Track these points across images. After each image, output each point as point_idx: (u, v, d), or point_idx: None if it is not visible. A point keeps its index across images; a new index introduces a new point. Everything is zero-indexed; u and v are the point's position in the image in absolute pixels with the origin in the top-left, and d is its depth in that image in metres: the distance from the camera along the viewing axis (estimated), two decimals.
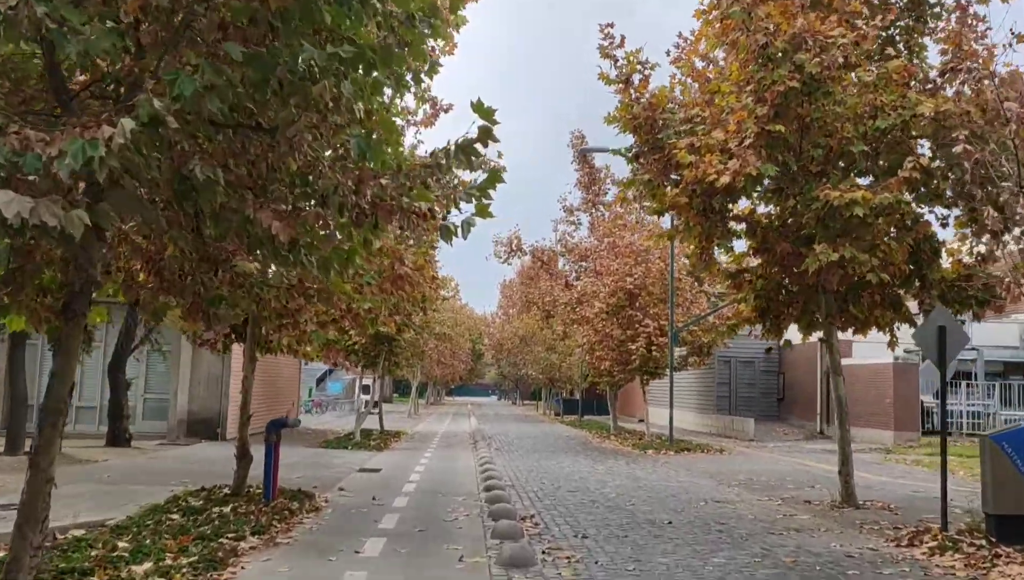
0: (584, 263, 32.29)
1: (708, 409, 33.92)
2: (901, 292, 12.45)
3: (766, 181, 11.62)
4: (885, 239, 10.71)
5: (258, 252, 6.50)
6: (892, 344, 12.56)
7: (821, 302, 12.45)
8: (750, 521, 10.75)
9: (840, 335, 31.44)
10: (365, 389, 45.16)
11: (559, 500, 12.44)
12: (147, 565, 6.97)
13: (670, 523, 10.43)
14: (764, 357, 33.91)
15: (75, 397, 19.00)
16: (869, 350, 28.83)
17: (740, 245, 13.97)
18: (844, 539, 9.48)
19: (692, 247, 12.89)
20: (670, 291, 24.03)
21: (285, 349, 11.98)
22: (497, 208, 6.25)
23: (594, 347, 27.16)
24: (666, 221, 16.79)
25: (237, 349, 23.38)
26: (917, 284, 12.15)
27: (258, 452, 11.55)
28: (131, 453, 17.77)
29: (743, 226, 12.62)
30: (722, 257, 13.66)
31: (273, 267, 7.61)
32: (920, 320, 12.26)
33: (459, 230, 6.14)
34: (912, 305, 12.77)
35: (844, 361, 30.51)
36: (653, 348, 24.66)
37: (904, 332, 12.31)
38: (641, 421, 43.92)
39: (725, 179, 10.53)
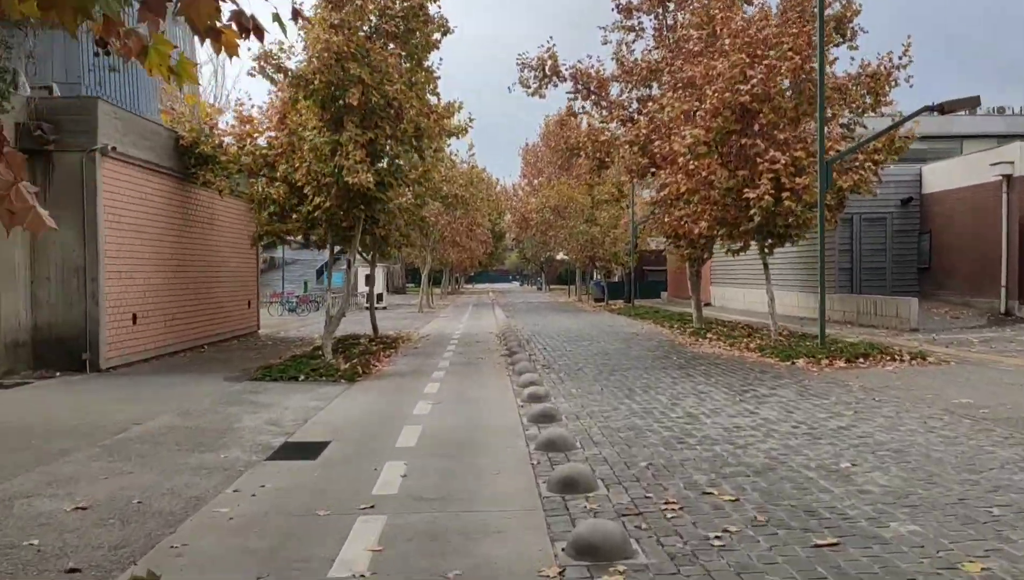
0: (647, 90, 22.69)
1: (829, 286, 24.90)
2: None
3: None
4: None
5: None
6: None
7: None
8: None
9: None
10: (368, 279, 36.29)
11: None
12: None
13: None
14: (899, 212, 24.70)
15: None
16: None
17: None
18: None
19: None
20: (819, 96, 14.67)
21: None
22: None
23: (680, 201, 18.05)
24: None
25: (108, 229, 14.43)
26: None
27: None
28: None
29: None
30: None
31: None
32: None
33: None
34: None
35: None
36: (784, 195, 15.48)
37: None
38: (708, 305, 35.15)
39: None
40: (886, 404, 9.35)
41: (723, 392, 10.57)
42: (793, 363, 13.39)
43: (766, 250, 16.90)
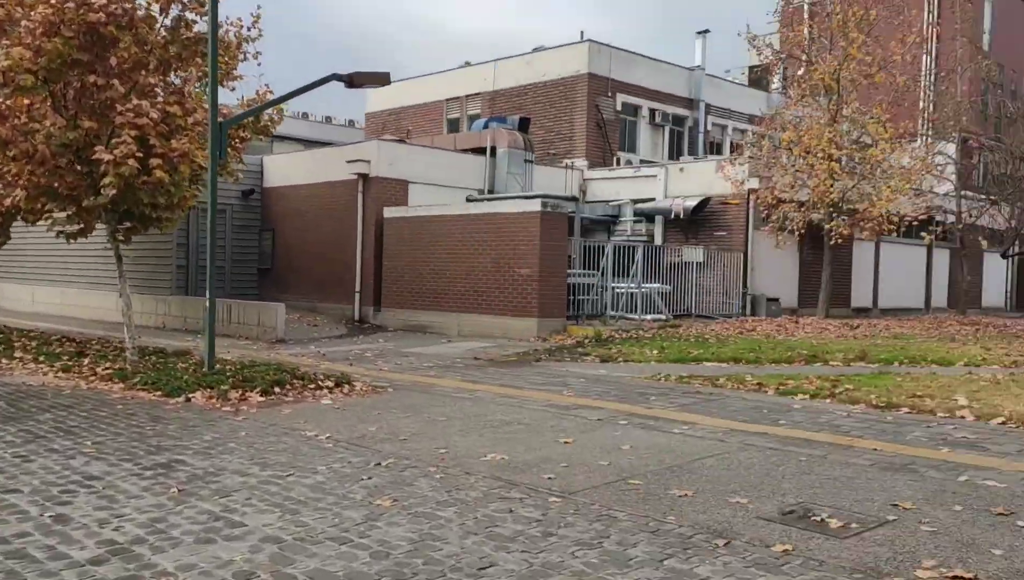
0: None
1: (162, 288, 20.62)
2: None
3: None
4: None
5: None
6: None
7: None
8: None
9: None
10: None
11: None
12: None
13: None
14: (240, 204, 22.01)
15: None
16: (434, 195, 19.84)
17: None
18: None
19: None
20: (212, 29, 10.89)
21: None
22: None
23: None
24: None
25: None
26: None
27: None
28: None
29: None
30: None
31: None
32: None
33: None
34: None
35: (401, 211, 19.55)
36: (155, 163, 11.16)
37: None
38: None
39: None
40: (411, 475, 6.26)
41: (134, 472, 6.11)
42: (189, 399, 9.32)
43: (120, 238, 12.24)
